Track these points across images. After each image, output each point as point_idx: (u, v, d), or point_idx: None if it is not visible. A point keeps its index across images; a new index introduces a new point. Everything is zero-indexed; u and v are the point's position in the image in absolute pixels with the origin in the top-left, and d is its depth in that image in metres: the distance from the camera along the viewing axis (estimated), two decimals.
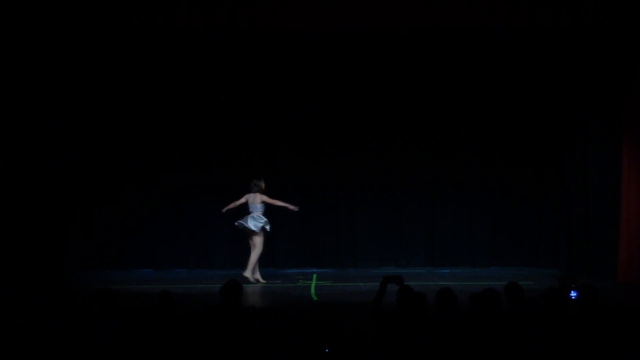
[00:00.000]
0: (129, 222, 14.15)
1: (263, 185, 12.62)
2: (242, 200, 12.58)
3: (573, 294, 9.36)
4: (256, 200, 12.50)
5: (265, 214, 12.57)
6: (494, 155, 14.37)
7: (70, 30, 11.86)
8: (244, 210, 12.62)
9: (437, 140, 14.35)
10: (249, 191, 12.62)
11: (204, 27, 11.78)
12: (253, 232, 12.45)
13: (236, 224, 12.58)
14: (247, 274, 12.29)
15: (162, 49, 13.43)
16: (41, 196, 12.66)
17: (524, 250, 14.34)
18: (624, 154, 12.36)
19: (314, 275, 13.36)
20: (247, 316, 6.46)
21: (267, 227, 12.55)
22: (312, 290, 11.89)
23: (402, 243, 14.27)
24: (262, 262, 14.28)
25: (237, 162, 14.30)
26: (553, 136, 14.04)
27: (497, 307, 6.17)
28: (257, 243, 12.49)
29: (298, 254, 14.44)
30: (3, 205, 12.15)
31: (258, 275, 12.60)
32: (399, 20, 11.79)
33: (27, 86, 12.29)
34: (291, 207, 12.74)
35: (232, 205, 12.65)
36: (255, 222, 12.43)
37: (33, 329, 6.14)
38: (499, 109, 14.15)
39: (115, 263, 13.99)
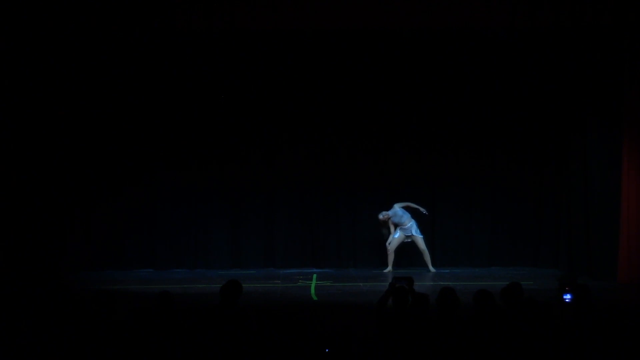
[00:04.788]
0: (129, 222, 14.15)
1: None
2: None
3: (567, 297, 9.38)
4: None
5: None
6: (493, 155, 14.36)
7: (70, 31, 11.86)
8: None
9: (437, 140, 14.35)
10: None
11: (204, 27, 11.77)
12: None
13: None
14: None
15: (162, 49, 13.40)
16: (41, 196, 12.66)
17: (524, 250, 14.33)
18: (624, 154, 12.35)
19: (314, 275, 13.36)
20: (246, 316, 6.47)
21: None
22: (312, 290, 11.89)
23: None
24: (263, 262, 14.34)
25: (237, 162, 14.29)
26: (553, 136, 14.04)
27: (495, 307, 6.18)
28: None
29: (298, 254, 14.43)
30: (3, 205, 12.15)
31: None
32: (399, 20, 11.79)
33: (27, 86, 12.29)
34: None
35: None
36: None
37: (33, 329, 6.15)
38: (499, 109, 14.14)
39: (115, 263, 13.98)
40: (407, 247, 14.00)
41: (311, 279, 12.98)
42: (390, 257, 13.76)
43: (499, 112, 14.16)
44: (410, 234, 13.70)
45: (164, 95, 13.92)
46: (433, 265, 13.82)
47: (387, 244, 13.75)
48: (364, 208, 14.45)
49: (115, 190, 14.03)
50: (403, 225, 13.68)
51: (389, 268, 13.69)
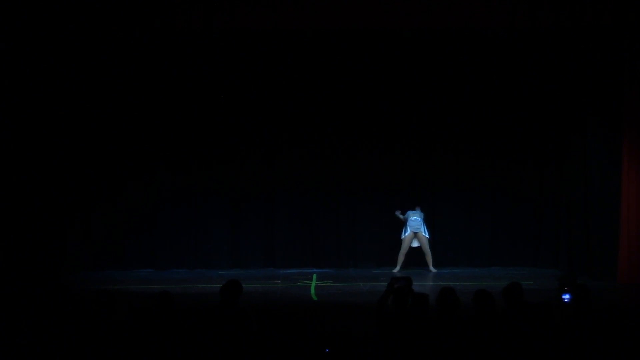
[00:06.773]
0: (129, 222, 14.16)
1: None
2: None
3: (565, 297, 9.38)
4: None
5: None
6: (493, 155, 14.37)
7: (70, 31, 11.86)
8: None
9: (438, 141, 14.36)
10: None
11: (204, 27, 11.77)
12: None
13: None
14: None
15: (162, 49, 13.41)
16: (41, 196, 12.67)
17: (524, 250, 14.34)
18: (624, 154, 12.36)
19: (314, 275, 13.37)
20: (246, 316, 6.46)
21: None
22: (312, 290, 11.89)
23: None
24: (263, 262, 14.35)
25: (237, 162, 14.30)
26: (553, 136, 14.05)
27: (495, 308, 6.17)
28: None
29: (298, 254, 14.44)
30: (3, 205, 12.15)
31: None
32: (399, 20, 11.79)
33: (27, 86, 12.30)
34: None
35: None
36: None
37: (33, 329, 6.14)
38: (499, 109, 14.15)
39: (115, 263, 14.00)
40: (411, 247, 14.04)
41: (311, 279, 12.98)
42: (400, 259, 13.78)
43: (499, 112, 14.17)
44: (418, 230, 13.70)
45: (164, 95, 13.92)
46: (433, 265, 13.82)
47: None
48: (364, 208, 14.46)
49: (115, 190, 14.04)
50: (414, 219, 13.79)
51: (397, 268, 13.70)
